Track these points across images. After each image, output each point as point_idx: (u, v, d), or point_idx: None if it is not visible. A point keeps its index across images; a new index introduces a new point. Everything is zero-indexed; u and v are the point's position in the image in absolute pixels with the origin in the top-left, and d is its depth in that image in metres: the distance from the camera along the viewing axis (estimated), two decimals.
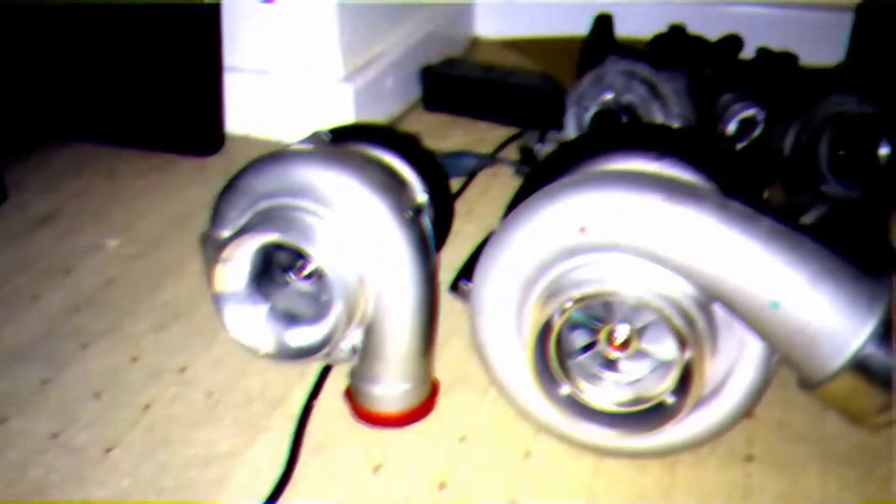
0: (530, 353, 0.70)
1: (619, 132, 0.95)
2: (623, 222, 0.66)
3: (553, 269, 0.71)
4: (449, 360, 0.90)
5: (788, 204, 1.10)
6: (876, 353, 0.62)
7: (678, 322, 0.65)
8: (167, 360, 0.93)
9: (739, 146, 1.14)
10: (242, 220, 0.78)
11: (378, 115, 1.52)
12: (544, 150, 1.32)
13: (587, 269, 0.69)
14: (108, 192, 1.31)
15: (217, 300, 0.77)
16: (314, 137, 0.80)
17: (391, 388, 0.80)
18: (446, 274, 0.86)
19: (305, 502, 0.74)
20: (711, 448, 0.78)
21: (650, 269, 0.67)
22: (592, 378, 0.74)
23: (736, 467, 0.78)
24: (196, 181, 1.35)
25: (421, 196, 0.80)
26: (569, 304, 0.68)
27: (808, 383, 0.65)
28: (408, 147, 0.91)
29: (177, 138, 1.43)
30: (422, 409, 0.83)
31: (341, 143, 0.89)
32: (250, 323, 0.78)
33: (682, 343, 0.65)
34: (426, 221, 0.80)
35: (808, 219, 1.06)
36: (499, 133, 1.48)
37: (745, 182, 0.81)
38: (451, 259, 0.95)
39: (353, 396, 0.83)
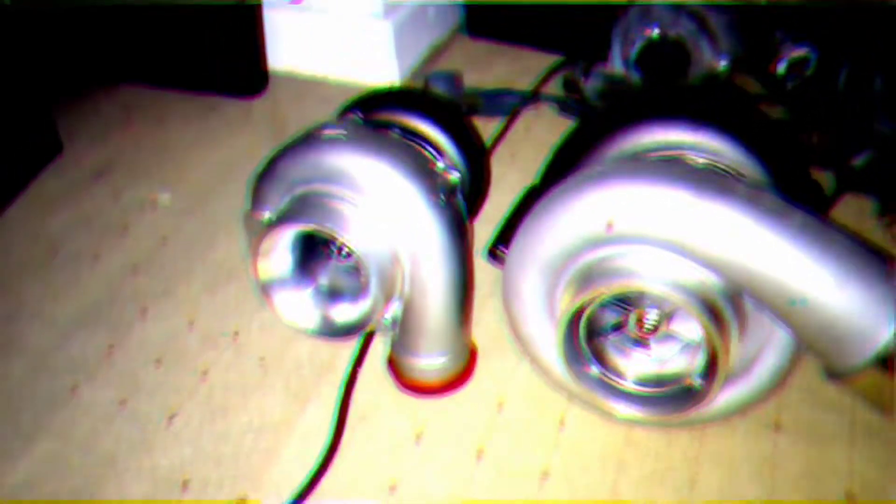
0: (560, 339, 0.72)
1: (657, 97, 0.91)
2: (650, 217, 0.66)
3: (582, 257, 0.71)
4: (486, 324, 0.92)
5: (839, 146, 1.06)
6: None
7: (704, 315, 0.65)
8: (221, 325, 0.98)
9: (790, 86, 1.08)
10: (282, 205, 0.80)
11: (421, 45, 1.49)
12: (589, 84, 1.28)
13: (616, 261, 0.69)
14: (157, 142, 1.34)
15: (263, 289, 0.80)
16: (347, 121, 0.80)
17: (430, 359, 0.84)
18: (485, 231, 0.87)
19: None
20: (740, 416, 0.79)
21: (678, 262, 0.66)
22: (622, 354, 0.75)
23: (764, 437, 0.80)
24: (242, 127, 1.36)
25: (453, 175, 0.79)
26: (597, 298, 0.68)
27: (834, 375, 0.66)
28: (442, 115, 0.90)
29: (222, 78, 1.43)
30: (460, 377, 0.86)
31: (374, 113, 0.89)
32: (298, 305, 0.81)
33: (708, 334, 0.66)
34: (459, 199, 0.80)
35: (858, 160, 1.02)
36: (544, 61, 1.43)
37: (787, 155, 0.78)
38: (493, 210, 0.95)
39: (394, 366, 0.87)
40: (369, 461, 0.81)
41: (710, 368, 0.69)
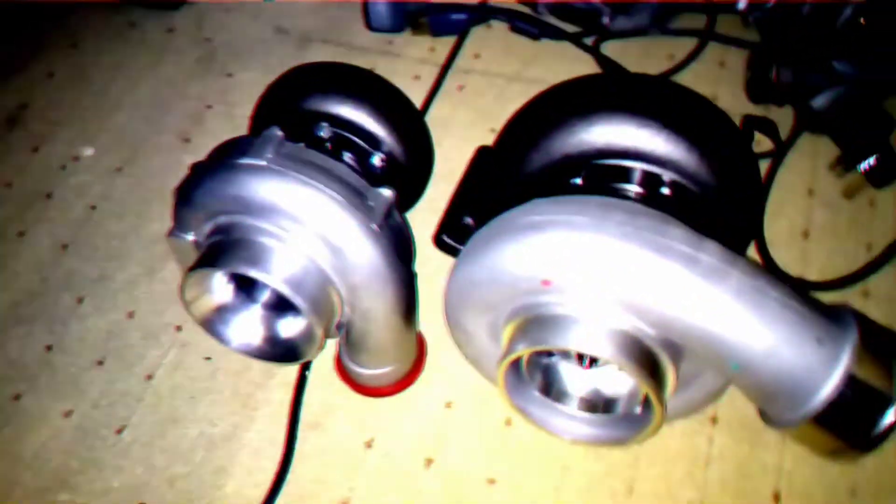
0: (500, 382, 0.71)
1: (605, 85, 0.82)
2: (589, 276, 0.62)
3: (520, 301, 0.68)
4: (436, 318, 0.90)
5: (798, 83, 0.99)
6: (835, 406, 0.61)
7: (640, 373, 0.64)
8: (162, 317, 0.95)
9: (752, 19, 1.00)
10: (205, 229, 0.74)
11: None
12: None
13: (554, 308, 0.66)
14: (73, 74, 1.21)
15: (203, 326, 0.76)
16: (268, 140, 0.72)
17: (375, 371, 0.83)
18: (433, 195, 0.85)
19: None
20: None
21: (615, 315, 0.64)
22: (567, 377, 0.75)
23: (701, 432, 0.82)
24: (164, 52, 1.23)
25: (387, 193, 0.73)
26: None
27: (769, 422, 0.66)
28: (373, 97, 0.82)
29: None
30: (408, 379, 0.86)
31: (298, 104, 0.80)
32: (245, 327, 0.78)
33: (644, 387, 0.65)
34: (396, 218, 0.75)
35: (819, 102, 0.97)
36: None
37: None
38: (442, 165, 0.91)
39: (341, 367, 0.86)
40: (322, 475, 0.82)
41: (648, 404, 0.69)
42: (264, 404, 0.87)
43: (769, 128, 1.01)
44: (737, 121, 1.02)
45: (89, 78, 1.21)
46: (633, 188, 0.73)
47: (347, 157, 0.81)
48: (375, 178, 0.82)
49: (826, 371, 0.59)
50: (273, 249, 0.70)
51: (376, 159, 0.82)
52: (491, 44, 1.20)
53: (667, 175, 0.72)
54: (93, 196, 1.07)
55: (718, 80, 1.11)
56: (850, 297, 0.88)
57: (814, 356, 0.59)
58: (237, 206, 0.70)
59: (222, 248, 0.71)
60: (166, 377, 0.90)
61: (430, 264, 0.84)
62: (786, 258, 0.92)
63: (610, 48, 1.15)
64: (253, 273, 0.68)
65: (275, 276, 0.69)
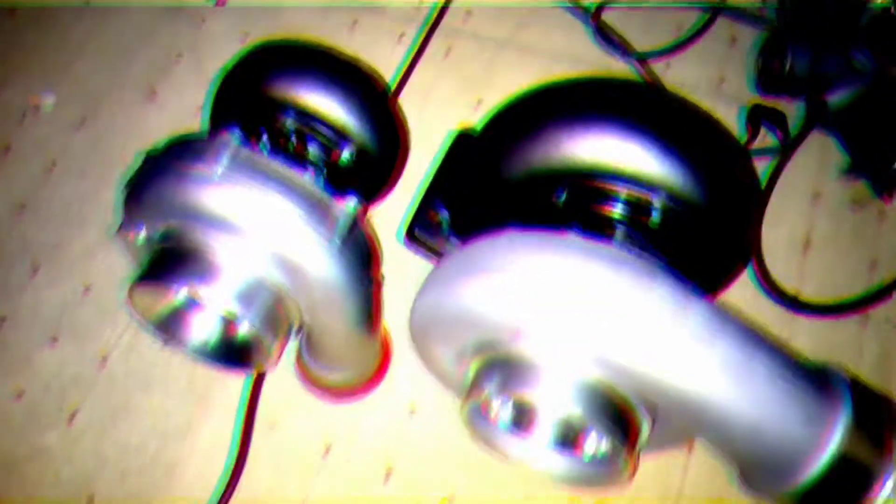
0: (464, 419, 0.67)
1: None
2: (564, 330, 0.57)
3: (489, 337, 0.63)
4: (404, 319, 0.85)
5: (815, 74, 0.91)
6: (822, 484, 0.57)
7: (611, 430, 0.59)
8: (119, 292, 0.90)
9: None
10: (154, 233, 0.68)
11: None
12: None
13: (522, 354, 0.61)
14: (37, 13, 1.12)
15: (156, 332, 0.71)
16: (223, 145, 0.64)
17: (336, 372, 0.79)
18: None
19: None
20: None
21: (586, 368, 0.59)
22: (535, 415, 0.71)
23: (675, 462, 0.78)
24: None
25: (351, 204, 0.67)
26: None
27: (745, 486, 0.62)
28: (339, 83, 0.74)
29: None
30: (371, 382, 0.82)
31: (260, 88, 0.73)
32: (199, 325, 0.73)
33: (614, 445, 0.61)
34: (360, 231, 0.68)
35: (836, 98, 0.89)
36: None
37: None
38: (427, 127, 0.87)
39: (302, 366, 0.82)
40: (276, 482, 0.79)
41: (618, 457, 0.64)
42: (221, 398, 0.83)
43: (778, 120, 0.93)
44: (743, 110, 0.95)
45: (54, 16, 1.12)
46: (619, 212, 0.66)
47: (313, 150, 0.74)
48: (343, 173, 0.76)
49: (815, 451, 0.55)
50: (223, 265, 0.64)
51: (345, 153, 0.75)
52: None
53: (657, 200, 0.65)
54: (53, 152, 1.01)
55: (726, 60, 1.02)
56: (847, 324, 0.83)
57: (802, 435, 0.55)
58: (188, 216, 0.64)
59: (170, 259, 0.65)
60: (121, 361, 0.86)
61: (400, 255, 0.79)
62: (783, 269, 0.86)
63: (614, 16, 1.05)
64: (201, 291, 0.62)
65: (224, 293, 0.63)
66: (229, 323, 0.70)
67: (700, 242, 0.68)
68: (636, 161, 0.65)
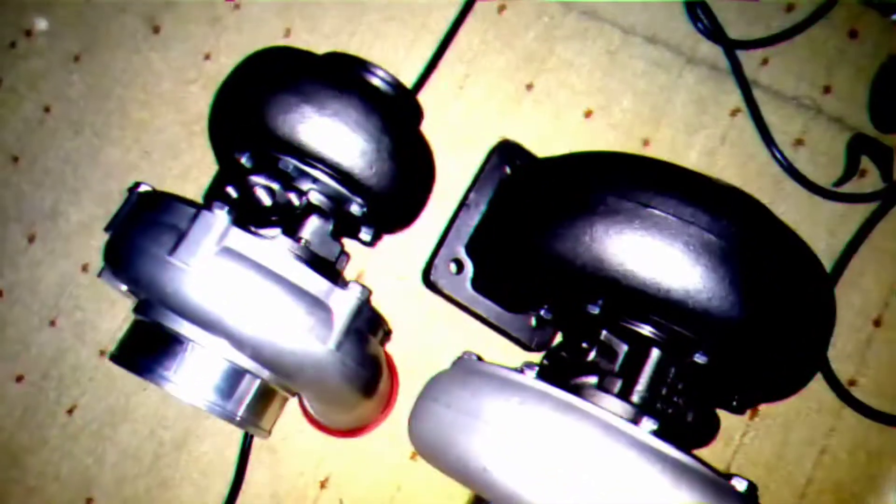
0: None
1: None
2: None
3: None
4: (414, 354, 0.79)
5: None
6: None
7: None
8: None
9: None
10: (135, 299, 0.62)
11: None
12: None
13: None
14: None
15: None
16: (207, 227, 0.54)
17: (337, 420, 0.75)
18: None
19: None
20: None
21: None
22: None
23: None
24: None
25: (354, 296, 0.58)
26: None
27: None
28: (350, 113, 0.62)
29: None
30: (370, 425, 0.78)
31: (259, 118, 0.61)
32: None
33: None
34: (364, 316, 0.60)
35: None
36: None
37: None
38: (463, 116, 0.80)
39: (302, 405, 0.78)
40: None
41: None
42: (215, 431, 0.80)
43: (883, 157, 0.78)
44: (845, 140, 0.79)
45: None
46: (656, 337, 0.57)
47: (318, 199, 0.64)
48: (353, 224, 0.66)
49: None
50: (202, 359, 0.57)
51: (354, 206, 0.64)
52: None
53: (701, 351, 0.55)
54: (46, 94, 0.90)
55: (840, 61, 0.83)
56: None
57: None
58: (167, 305, 0.56)
59: (147, 340, 0.59)
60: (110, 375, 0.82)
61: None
62: (843, 345, 0.76)
63: None
64: (176, 386, 0.57)
65: (201, 389, 0.57)
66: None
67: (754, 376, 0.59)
68: (700, 294, 0.53)
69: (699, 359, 0.56)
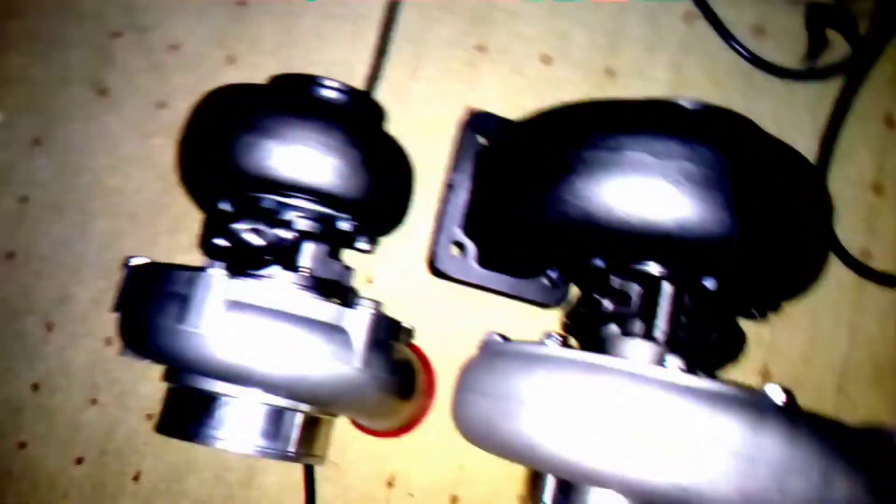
0: None
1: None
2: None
3: None
4: (444, 342, 0.80)
5: None
6: None
7: None
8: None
9: None
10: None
11: None
12: None
13: None
14: None
15: None
16: (207, 287, 0.55)
17: (380, 424, 0.77)
18: None
19: None
20: None
21: None
22: None
23: None
24: None
25: (367, 313, 0.59)
26: None
27: None
28: (319, 136, 0.62)
29: None
30: (418, 419, 0.80)
31: (229, 159, 0.62)
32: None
33: None
34: (382, 328, 0.62)
35: None
36: None
37: None
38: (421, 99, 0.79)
39: None
40: None
41: None
42: None
43: (845, 23, 0.77)
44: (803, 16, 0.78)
45: None
46: (663, 272, 0.57)
47: (306, 226, 0.64)
48: (348, 238, 0.67)
49: None
50: (240, 411, 0.59)
51: (343, 223, 0.65)
52: None
53: (709, 276, 0.56)
54: (19, 183, 0.91)
55: None
56: None
57: None
58: (190, 370, 0.58)
59: (182, 405, 0.61)
60: None
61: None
62: (850, 221, 0.77)
63: None
64: (223, 443, 0.59)
65: (248, 439, 0.59)
66: None
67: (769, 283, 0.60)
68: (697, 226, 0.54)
69: (708, 283, 0.57)
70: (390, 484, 0.81)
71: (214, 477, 0.83)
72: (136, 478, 0.85)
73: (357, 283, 0.80)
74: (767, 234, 0.53)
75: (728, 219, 0.52)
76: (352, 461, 0.81)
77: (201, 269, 0.56)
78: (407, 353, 0.66)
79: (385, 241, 0.78)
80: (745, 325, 0.69)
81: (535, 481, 0.59)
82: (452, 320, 0.81)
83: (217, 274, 0.54)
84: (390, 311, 0.69)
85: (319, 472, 0.81)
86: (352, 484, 0.81)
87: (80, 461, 0.86)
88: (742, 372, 0.73)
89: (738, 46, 0.79)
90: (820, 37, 0.77)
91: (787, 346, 0.76)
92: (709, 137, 0.53)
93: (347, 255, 0.72)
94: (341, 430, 0.79)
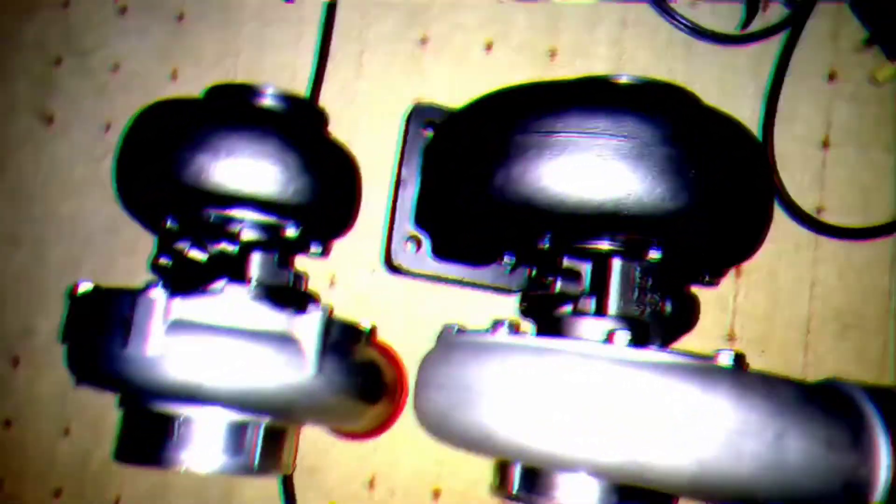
0: None
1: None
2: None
3: None
4: (414, 337, 0.80)
5: None
6: None
7: None
8: None
9: None
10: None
11: None
12: None
13: None
14: None
15: None
16: (148, 310, 0.55)
17: (352, 426, 0.77)
18: None
19: None
20: None
21: None
22: None
23: None
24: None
25: (314, 320, 0.59)
26: None
27: None
28: (255, 147, 0.62)
29: None
30: (393, 418, 0.79)
31: (169, 175, 0.61)
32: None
33: None
34: (336, 330, 0.61)
35: None
36: None
37: None
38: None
39: None
40: None
41: None
42: None
43: None
44: None
45: None
46: (607, 248, 0.57)
47: (252, 236, 0.64)
48: (297, 245, 0.66)
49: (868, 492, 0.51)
50: (203, 430, 0.59)
51: (289, 230, 0.64)
52: None
53: (654, 247, 0.56)
54: None
55: None
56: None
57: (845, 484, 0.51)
58: (141, 393, 0.58)
59: (138, 427, 0.60)
60: None
61: None
62: (801, 177, 0.77)
63: None
64: (192, 469, 0.58)
65: (213, 458, 0.59)
66: None
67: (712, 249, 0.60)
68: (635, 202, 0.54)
69: (654, 254, 0.57)
70: (371, 485, 0.81)
71: (194, 495, 0.83)
72: (116, 502, 0.84)
73: (319, 286, 0.80)
74: (702, 197, 0.53)
75: (662, 188, 0.51)
76: (331, 466, 0.81)
77: (144, 290, 0.55)
78: (369, 353, 0.66)
79: (344, 242, 0.78)
80: (710, 290, 0.70)
81: (501, 471, 0.59)
82: (418, 314, 0.80)
83: (158, 295, 0.54)
84: (354, 311, 0.69)
85: (299, 480, 0.81)
86: (333, 489, 0.81)
87: (58, 493, 0.85)
88: (708, 337, 0.74)
89: (675, 17, 0.79)
90: (754, 0, 0.77)
91: (751, 308, 0.76)
92: (636, 112, 0.53)
93: (307, 261, 0.71)
94: (320, 436, 0.79)
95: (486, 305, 0.77)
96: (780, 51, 0.76)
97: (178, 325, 0.54)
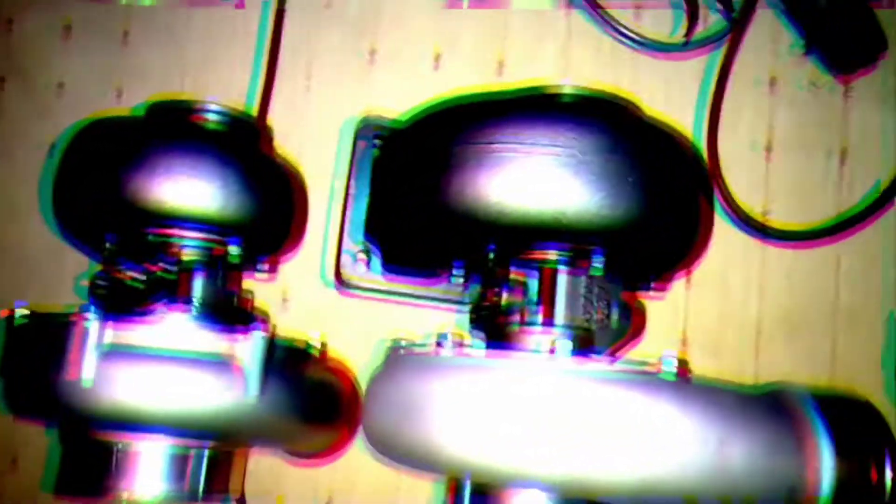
0: None
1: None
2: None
3: None
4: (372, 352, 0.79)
5: None
6: None
7: None
8: None
9: None
10: None
11: None
12: None
13: None
14: None
15: None
16: (83, 338, 0.54)
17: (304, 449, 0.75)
18: None
19: None
20: None
21: None
22: None
23: None
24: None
25: (257, 340, 0.58)
26: None
27: None
28: (195, 170, 0.60)
29: None
30: (348, 437, 0.78)
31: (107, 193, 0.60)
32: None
33: None
34: (281, 350, 0.60)
35: None
36: None
37: None
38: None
39: None
40: None
41: None
42: None
43: None
44: None
45: None
46: (551, 258, 0.57)
47: (192, 255, 0.63)
48: (238, 264, 0.65)
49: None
50: (144, 458, 0.57)
51: (232, 248, 0.63)
52: None
53: (597, 256, 0.56)
54: None
55: None
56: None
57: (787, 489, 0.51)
58: (77, 423, 0.56)
59: (81, 463, 0.58)
60: None
61: None
62: (747, 182, 0.78)
63: None
64: (134, 498, 0.57)
65: (155, 486, 0.57)
66: None
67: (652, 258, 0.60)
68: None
69: (597, 263, 0.57)
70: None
71: None
72: None
73: (273, 303, 0.79)
74: (642, 205, 0.53)
75: (599, 198, 0.51)
76: (286, 489, 0.80)
77: (78, 314, 0.54)
78: (318, 372, 0.65)
79: (297, 259, 0.77)
80: (662, 297, 0.70)
81: (453, 490, 0.58)
82: (373, 330, 0.79)
83: (91, 320, 0.52)
84: (308, 328, 0.68)
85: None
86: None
87: None
88: (660, 343, 0.74)
89: (619, 29, 0.79)
90: (694, 8, 0.78)
91: (703, 313, 0.77)
92: (573, 124, 0.53)
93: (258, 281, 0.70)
94: (274, 459, 0.77)
95: (440, 318, 0.76)
96: (721, 58, 0.77)
97: (113, 351, 0.53)
